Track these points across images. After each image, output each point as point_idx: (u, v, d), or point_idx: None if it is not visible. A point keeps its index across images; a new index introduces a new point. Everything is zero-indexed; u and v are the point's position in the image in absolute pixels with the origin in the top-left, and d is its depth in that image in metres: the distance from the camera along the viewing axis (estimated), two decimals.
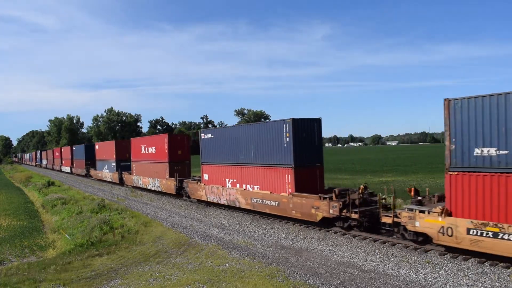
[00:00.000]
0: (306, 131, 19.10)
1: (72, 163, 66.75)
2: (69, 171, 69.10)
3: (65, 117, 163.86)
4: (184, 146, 32.03)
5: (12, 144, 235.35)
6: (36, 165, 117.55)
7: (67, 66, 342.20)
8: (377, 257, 13.75)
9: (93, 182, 50.81)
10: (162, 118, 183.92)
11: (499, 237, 11.50)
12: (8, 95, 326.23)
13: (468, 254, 12.75)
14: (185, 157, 31.96)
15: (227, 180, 23.66)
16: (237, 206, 22.75)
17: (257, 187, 21.07)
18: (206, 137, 25.89)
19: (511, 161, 11.42)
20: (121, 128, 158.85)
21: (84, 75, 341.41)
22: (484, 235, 11.89)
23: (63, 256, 16.61)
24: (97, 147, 52.73)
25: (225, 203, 23.89)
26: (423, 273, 11.98)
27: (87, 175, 57.01)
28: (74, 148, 66.51)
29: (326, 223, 17.57)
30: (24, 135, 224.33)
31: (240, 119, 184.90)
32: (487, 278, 11.18)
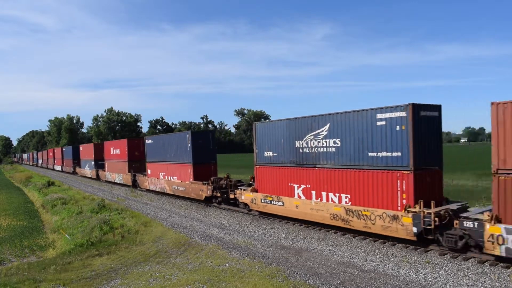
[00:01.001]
0: (202, 139, 27.75)
1: (62, 162, 76.63)
2: (60, 169, 79.05)
3: (65, 117, 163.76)
4: (140, 148, 38.48)
5: (12, 144, 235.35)
6: (33, 165, 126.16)
7: (67, 66, 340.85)
8: (377, 257, 13.75)
9: (92, 182, 50.87)
10: (162, 118, 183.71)
11: (272, 203, 20.14)
12: (8, 95, 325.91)
13: (467, 254, 12.76)
14: (141, 157, 38.10)
15: (160, 173, 32.46)
16: (165, 192, 31.59)
17: (175, 178, 29.76)
18: (148, 142, 34.90)
19: (278, 159, 19.90)
20: (121, 128, 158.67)
21: (84, 75, 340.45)
22: (267, 202, 20.48)
23: (63, 256, 16.61)
24: (81, 148, 61.49)
25: (159, 190, 32.61)
26: (423, 273, 11.98)
27: (74, 172, 65.54)
28: (63, 149, 77.00)
29: (208, 200, 26.22)
30: (24, 135, 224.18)
31: (240, 119, 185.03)
32: (487, 278, 11.18)
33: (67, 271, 14.17)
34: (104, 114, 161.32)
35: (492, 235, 11.71)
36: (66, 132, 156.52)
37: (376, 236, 15.53)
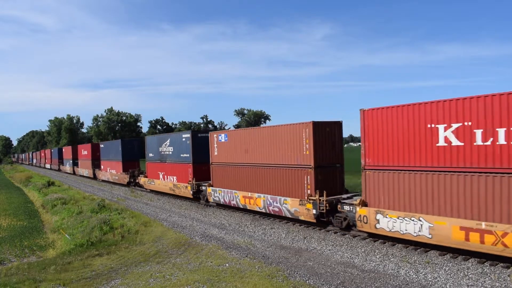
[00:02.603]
0: (131, 145, 42.84)
1: (51, 161, 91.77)
2: (49, 167, 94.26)
3: (65, 117, 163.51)
4: (100, 150, 50.79)
5: (12, 144, 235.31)
6: (29, 164, 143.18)
7: (67, 66, 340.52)
8: (377, 257, 13.75)
9: (92, 182, 50.92)
10: (162, 118, 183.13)
11: (151, 183, 34.15)
12: (8, 95, 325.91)
13: (467, 254, 12.78)
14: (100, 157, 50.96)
15: (107, 168, 46.77)
16: (109, 181, 46.51)
17: (115, 171, 43.88)
18: (102, 146, 50.69)
19: (154, 158, 33.56)
20: (121, 128, 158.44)
21: (84, 75, 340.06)
22: (149, 183, 34.36)
23: (63, 256, 16.61)
24: (63, 150, 77.49)
25: (106, 179, 47.57)
26: (423, 273, 11.98)
27: (59, 169, 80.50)
28: (52, 151, 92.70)
29: (128, 184, 40.29)
30: (24, 135, 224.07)
31: (240, 119, 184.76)
32: (487, 278, 11.18)
33: (67, 271, 14.17)
34: (104, 114, 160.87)
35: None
36: (66, 132, 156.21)
37: (183, 199, 30.16)
